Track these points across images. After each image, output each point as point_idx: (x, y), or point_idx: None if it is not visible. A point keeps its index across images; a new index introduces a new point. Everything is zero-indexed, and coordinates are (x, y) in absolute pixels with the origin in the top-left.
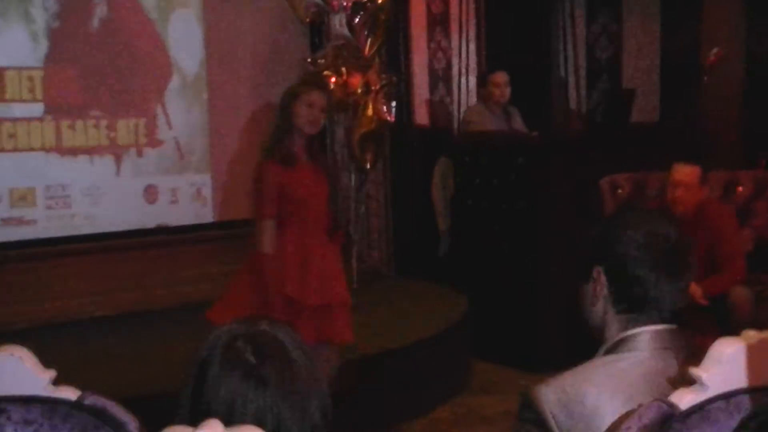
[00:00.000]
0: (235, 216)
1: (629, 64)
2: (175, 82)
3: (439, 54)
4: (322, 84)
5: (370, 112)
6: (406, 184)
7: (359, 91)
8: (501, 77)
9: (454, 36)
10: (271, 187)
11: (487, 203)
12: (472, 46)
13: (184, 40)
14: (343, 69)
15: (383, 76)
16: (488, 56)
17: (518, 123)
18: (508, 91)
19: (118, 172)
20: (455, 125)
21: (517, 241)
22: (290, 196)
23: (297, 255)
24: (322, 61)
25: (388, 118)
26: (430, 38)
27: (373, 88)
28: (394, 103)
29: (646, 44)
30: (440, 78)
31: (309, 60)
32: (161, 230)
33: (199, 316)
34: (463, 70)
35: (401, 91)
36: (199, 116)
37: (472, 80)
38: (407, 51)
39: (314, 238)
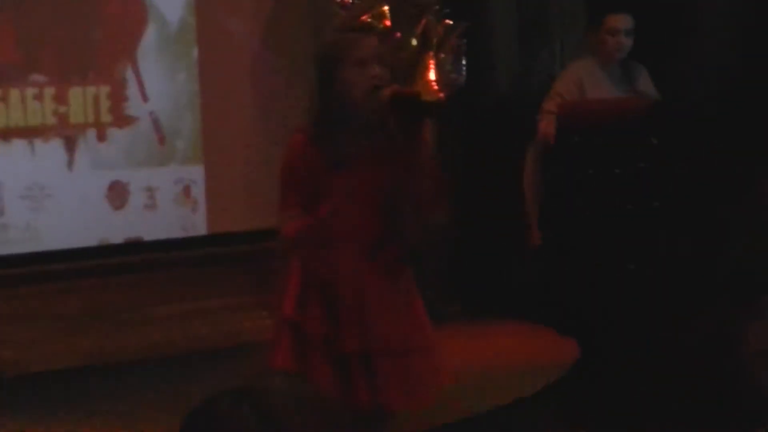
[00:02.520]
0: (239, 226)
1: None
2: (151, 34)
3: None
4: (365, 26)
5: (431, 75)
6: (481, 178)
7: (413, 44)
8: (620, 21)
9: None
10: (292, 168)
11: (603, 204)
12: None
13: None
14: (386, 10)
15: (447, 22)
16: None
17: (646, 86)
18: (628, 42)
19: (70, 163)
20: None
21: (652, 260)
22: (317, 194)
23: (319, 274)
24: (358, 0)
25: (457, 84)
26: None
27: (433, 40)
28: (464, 62)
29: None
30: (532, 23)
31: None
32: (132, 247)
33: None
34: (567, 11)
35: (475, 43)
36: (186, 82)
37: (580, 25)
38: None
39: (348, 259)
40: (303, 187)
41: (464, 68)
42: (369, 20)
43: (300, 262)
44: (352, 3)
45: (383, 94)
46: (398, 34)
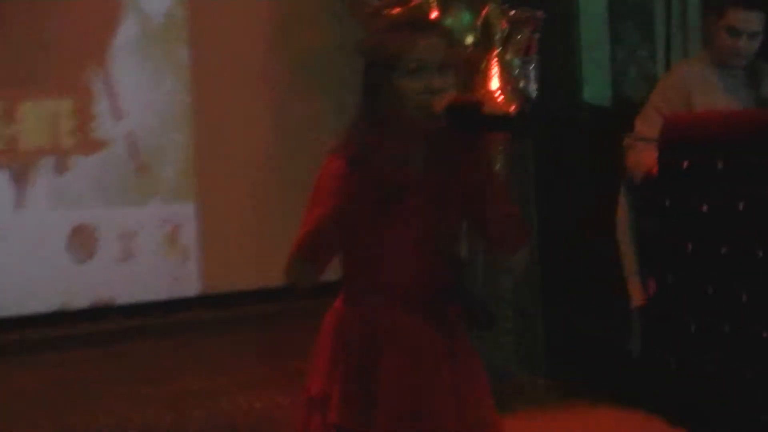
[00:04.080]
0: (242, 283)
1: None
2: (128, 31)
3: None
4: (425, 21)
5: (494, 82)
6: (563, 217)
7: (469, 42)
8: (745, 20)
9: None
10: (328, 188)
11: (724, 251)
12: None
13: None
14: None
15: (514, 12)
16: None
17: None
18: (752, 46)
19: (19, 200)
20: None
21: None
22: (358, 236)
23: (356, 339)
24: None
25: (529, 94)
26: None
27: (496, 35)
28: (531, 67)
29: None
30: (627, 12)
31: None
32: (102, 312)
33: None
34: None
35: (553, 40)
36: (173, 93)
37: (692, 14)
38: None
39: (395, 313)
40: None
41: (533, 74)
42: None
43: (332, 322)
44: None
45: (436, 106)
46: (448, 29)
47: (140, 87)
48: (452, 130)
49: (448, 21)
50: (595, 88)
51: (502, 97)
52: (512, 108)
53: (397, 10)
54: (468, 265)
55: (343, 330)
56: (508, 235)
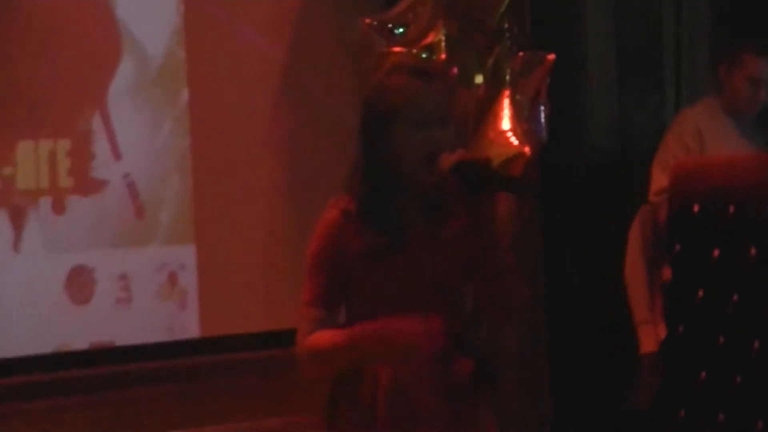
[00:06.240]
0: (243, 326)
1: None
2: (127, 71)
3: (635, 15)
4: (430, 69)
5: (505, 123)
6: (570, 266)
7: (479, 81)
8: (764, 66)
9: None
10: (323, 253)
11: (735, 300)
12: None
13: None
14: (442, 40)
15: (523, 54)
16: (736, 17)
17: None
18: (764, 93)
19: (16, 243)
20: None
21: None
22: (358, 290)
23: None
24: (400, 29)
25: (538, 138)
26: None
27: (506, 76)
28: (542, 108)
29: None
30: (637, 58)
31: (375, 22)
32: (100, 355)
33: None
34: (685, 39)
35: (562, 83)
36: (172, 135)
37: (703, 59)
38: (576, 9)
39: (398, 376)
40: (335, 280)
41: (543, 118)
42: (414, 53)
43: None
44: (385, 27)
45: (442, 163)
46: (455, 70)
47: (139, 128)
48: (458, 187)
49: (457, 62)
50: (603, 134)
51: (514, 138)
52: (526, 149)
53: (402, 50)
54: (472, 320)
55: (346, 392)
56: (502, 300)
